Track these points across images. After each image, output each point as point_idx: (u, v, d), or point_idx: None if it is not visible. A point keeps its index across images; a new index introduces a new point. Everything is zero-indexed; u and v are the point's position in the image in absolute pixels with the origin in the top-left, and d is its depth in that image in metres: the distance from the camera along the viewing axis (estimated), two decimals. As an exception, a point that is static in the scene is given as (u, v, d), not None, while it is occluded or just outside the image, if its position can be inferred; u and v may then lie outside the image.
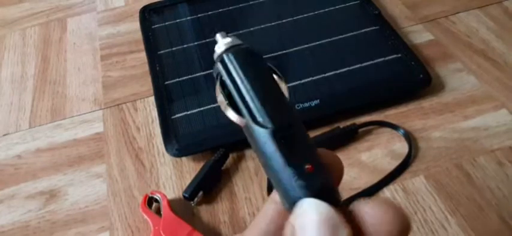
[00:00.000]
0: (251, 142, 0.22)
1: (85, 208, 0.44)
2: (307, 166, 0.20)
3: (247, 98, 0.22)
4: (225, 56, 0.23)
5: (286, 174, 0.20)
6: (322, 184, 0.20)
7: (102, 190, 0.46)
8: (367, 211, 0.20)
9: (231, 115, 0.23)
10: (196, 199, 0.43)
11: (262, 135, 0.21)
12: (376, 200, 0.20)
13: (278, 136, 0.21)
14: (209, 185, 0.44)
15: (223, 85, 0.23)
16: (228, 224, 0.42)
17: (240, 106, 0.22)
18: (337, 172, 0.23)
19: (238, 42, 0.24)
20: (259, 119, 0.21)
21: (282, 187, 0.21)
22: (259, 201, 0.43)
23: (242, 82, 0.22)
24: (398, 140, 0.47)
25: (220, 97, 0.23)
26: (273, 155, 0.21)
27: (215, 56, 0.24)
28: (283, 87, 0.23)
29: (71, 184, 0.46)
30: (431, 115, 0.49)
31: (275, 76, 0.23)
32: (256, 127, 0.21)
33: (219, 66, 0.23)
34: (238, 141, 0.47)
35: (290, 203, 0.20)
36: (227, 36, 0.24)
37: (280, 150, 0.21)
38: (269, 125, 0.21)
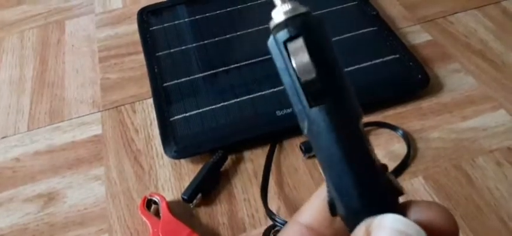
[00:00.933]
0: (321, 133, 0.19)
1: (84, 211, 0.44)
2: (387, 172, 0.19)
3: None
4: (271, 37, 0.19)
5: (367, 170, 0.19)
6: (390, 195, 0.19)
7: (101, 192, 0.45)
8: (429, 214, 0.19)
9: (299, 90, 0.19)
10: (195, 201, 0.43)
11: (344, 121, 0.19)
12: (423, 203, 0.19)
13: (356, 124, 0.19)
14: (208, 187, 0.44)
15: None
16: (227, 226, 0.42)
17: (289, 94, 0.19)
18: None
19: (301, 9, 0.20)
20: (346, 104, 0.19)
21: (356, 184, 0.19)
22: (258, 203, 0.43)
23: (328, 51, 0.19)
24: (397, 141, 0.47)
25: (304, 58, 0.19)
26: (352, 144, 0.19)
27: (273, 23, 0.20)
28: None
29: (69, 187, 0.46)
30: (429, 116, 0.49)
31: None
32: (316, 114, 0.19)
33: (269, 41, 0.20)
34: (237, 143, 0.47)
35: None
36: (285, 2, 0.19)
37: (363, 141, 0.19)
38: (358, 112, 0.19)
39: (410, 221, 0.18)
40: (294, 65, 0.19)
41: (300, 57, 0.18)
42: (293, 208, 0.42)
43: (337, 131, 0.19)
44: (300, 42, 0.19)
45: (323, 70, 0.19)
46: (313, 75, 0.18)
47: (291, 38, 0.19)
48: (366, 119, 0.49)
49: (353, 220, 0.19)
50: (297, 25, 0.19)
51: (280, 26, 0.19)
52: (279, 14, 0.19)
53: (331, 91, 0.19)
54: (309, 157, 0.46)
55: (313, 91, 0.19)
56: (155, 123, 0.50)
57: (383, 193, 0.19)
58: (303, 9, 0.19)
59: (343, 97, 0.19)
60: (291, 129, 0.48)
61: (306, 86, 0.19)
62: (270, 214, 0.41)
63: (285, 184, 0.45)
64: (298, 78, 0.19)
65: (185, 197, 0.43)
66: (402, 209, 0.20)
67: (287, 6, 0.19)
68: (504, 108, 0.49)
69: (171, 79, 0.53)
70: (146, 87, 0.55)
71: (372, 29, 0.57)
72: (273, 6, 0.20)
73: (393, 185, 0.20)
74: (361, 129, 0.20)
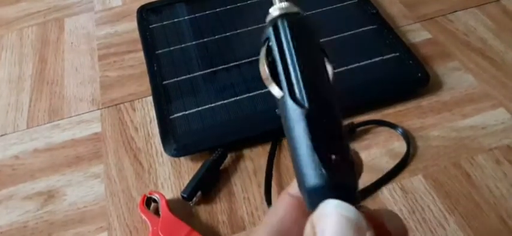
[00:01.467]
0: (283, 118, 0.21)
1: (83, 209, 0.44)
2: (334, 157, 0.19)
3: (291, 71, 0.21)
4: (279, 22, 0.21)
5: (310, 159, 0.20)
6: (345, 181, 0.19)
7: (101, 190, 0.45)
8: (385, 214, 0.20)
9: (270, 84, 0.21)
10: (194, 199, 0.43)
11: (296, 113, 0.20)
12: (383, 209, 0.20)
13: (311, 117, 0.20)
14: (207, 185, 0.44)
15: (269, 51, 0.22)
16: (227, 224, 0.42)
17: (281, 78, 0.21)
18: (358, 170, 0.22)
19: (295, 9, 0.22)
20: (297, 95, 0.20)
21: (303, 172, 0.20)
22: (258, 201, 0.43)
23: (290, 54, 0.21)
24: (397, 139, 0.47)
25: (263, 64, 0.22)
26: (302, 136, 0.20)
27: (268, 17, 0.22)
28: (330, 71, 0.22)
29: (69, 185, 0.46)
30: (429, 114, 0.49)
31: (325, 59, 0.22)
32: (291, 103, 0.20)
33: (270, 31, 0.22)
34: (236, 141, 0.47)
35: (308, 191, 0.20)
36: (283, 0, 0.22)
37: (310, 133, 0.20)
38: (305, 104, 0.20)
39: (352, 206, 0.18)
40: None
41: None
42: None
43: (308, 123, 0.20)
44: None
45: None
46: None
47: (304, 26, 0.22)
48: (365, 117, 0.49)
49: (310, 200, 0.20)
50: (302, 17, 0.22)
51: (288, 15, 0.22)
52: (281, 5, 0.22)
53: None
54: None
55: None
56: (155, 121, 0.50)
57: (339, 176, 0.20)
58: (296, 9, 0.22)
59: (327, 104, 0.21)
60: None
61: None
62: None
63: (285, 184, 0.45)
64: (299, 64, 0.21)
65: (185, 195, 0.43)
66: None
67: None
68: (504, 106, 0.49)
69: (171, 77, 0.53)
70: (146, 85, 0.55)
71: (371, 27, 0.57)
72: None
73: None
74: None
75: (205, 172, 0.44)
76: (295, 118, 0.20)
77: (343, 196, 0.19)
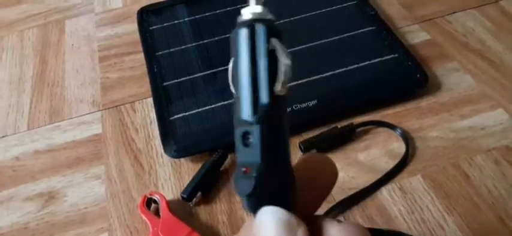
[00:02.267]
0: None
1: (84, 210, 0.44)
2: (243, 169, 0.20)
3: (238, 77, 0.21)
4: (245, 28, 0.20)
5: (237, 168, 0.21)
6: (244, 192, 0.20)
7: (101, 191, 0.46)
8: (333, 233, 0.20)
9: (230, 81, 0.22)
10: (194, 200, 0.43)
11: (235, 118, 0.21)
12: (345, 224, 0.20)
13: (240, 129, 0.21)
14: (207, 185, 0.44)
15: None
16: (227, 225, 0.42)
17: (234, 81, 0.21)
18: (327, 176, 0.23)
19: (267, 16, 0.21)
20: (237, 103, 0.21)
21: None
22: (258, 201, 0.43)
23: (238, 58, 0.21)
24: (396, 140, 0.47)
25: (231, 63, 0.21)
26: (236, 143, 0.21)
27: (240, 18, 0.21)
28: (280, 79, 0.20)
29: (69, 186, 0.46)
30: (428, 115, 0.49)
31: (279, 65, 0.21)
32: (236, 107, 0.21)
33: (242, 32, 0.21)
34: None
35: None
36: (260, 4, 0.21)
37: (236, 141, 0.21)
38: (239, 115, 0.20)
39: (286, 211, 0.20)
40: (282, 59, 0.20)
41: (285, 54, 0.20)
42: (292, 206, 0.43)
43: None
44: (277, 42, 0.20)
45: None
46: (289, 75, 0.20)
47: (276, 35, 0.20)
48: (364, 118, 0.49)
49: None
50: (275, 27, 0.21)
51: (264, 21, 0.21)
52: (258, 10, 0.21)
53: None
54: (308, 156, 0.46)
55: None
56: (155, 122, 0.51)
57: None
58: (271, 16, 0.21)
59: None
60: (290, 127, 0.48)
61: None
62: None
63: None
64: (269, 68, 0.20)
65: (184, 196, 0.43)
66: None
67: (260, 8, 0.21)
68: (502, 107, 0.49)
69: (171, 79, 0.54)
70: (146, 87, 0.55)
71: (370, 28, 0.57)
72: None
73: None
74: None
75: (205, 172, 0.44)
76: (236, 122, 0.21)
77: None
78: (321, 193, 0.23)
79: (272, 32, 0.20)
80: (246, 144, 0.21)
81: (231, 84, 0.21)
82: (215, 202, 0.44)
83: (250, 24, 0.20)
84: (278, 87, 0.20)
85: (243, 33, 0.20)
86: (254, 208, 0.20)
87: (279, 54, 0.20)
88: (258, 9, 0.21)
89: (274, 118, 0.20)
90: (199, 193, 0.43)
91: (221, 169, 0.46)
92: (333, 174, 0.23)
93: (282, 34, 0.21)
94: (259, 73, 0.20)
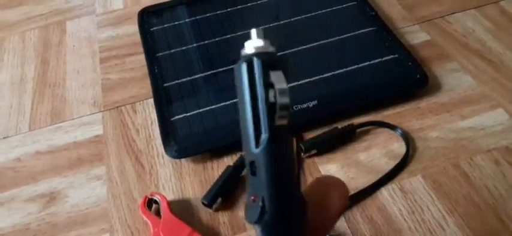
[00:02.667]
0: None
1: (85, 211, 0.45)
2: (252, 198, 0.21)
3: (240, 110, 0.22)
4: (244, 63, 0.21)
5: (248, 196, 0.21)
6: (251, 220, 0.21)
7: (102, 192, 0.46)
8: None
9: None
10: (214, 206, 0.43)
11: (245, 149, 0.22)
12: None
13: (246, 160, 0.21)
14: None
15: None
16: (228, 225, 0.42)
17: (240, 113, 0.22)
18: (338, 199, 0.23)
19: (268, 49, 0.22)
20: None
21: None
22: (258, 202, 0.43)
23: (239, 92, 0.22)
24: (396, 140, 0.47)
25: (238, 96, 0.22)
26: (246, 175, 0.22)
27: (242, 52, 0.22)
28: (277, 111, 0.21)
29: (71, 187, 0.46)
30: (428, 115, 0.49)
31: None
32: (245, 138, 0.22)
33: (242, 67, 0.21)
34: (237, 142, 0.47)
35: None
36: (261, 38, 0.22)
37: (249, 173, 0.21)
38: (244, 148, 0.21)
39: None
40: (278, 95, 0.20)
41: (282, 88, 0.20)
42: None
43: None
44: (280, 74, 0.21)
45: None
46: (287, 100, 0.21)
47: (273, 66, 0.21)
48: (365, 119, 0.49)
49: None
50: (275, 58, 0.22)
51: (262, 54, 0.21)
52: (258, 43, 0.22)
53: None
54: (309, 157, 0.46)
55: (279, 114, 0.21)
56: (156, 123, 0.51)
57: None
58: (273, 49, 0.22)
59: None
60: (291, 128, 0.48)
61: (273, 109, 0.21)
62: None
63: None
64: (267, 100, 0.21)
65: (205, 202, 0.43)
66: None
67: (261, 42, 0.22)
68: (502, 107, 0.49)
69: (172, 80, 0.54)
70: (147, 88, 0.55)
71: (370, 29, 0.58)
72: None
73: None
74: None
75: (227, 178, 0.44)
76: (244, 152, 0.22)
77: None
78: (332, 217, 0.23)
79: (271, 65, 0.21)
80: (253, 173, 0.21)
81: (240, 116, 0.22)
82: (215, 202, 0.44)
83: (249, 59, 0.21)
84: (277, 120, 0.21)
85: (243, 68, 0.21)
86: (266, 234, 0.21)
87: (276, 88, 0.20)
88: (260, 43, 0.22)
89: (277, 149, 0.21)
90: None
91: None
92: (345, 197, 0.23)
93: (286, 64, 0.21)
94: (259, 107, 0.21)
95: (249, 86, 0.21)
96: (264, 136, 0.21)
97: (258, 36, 0.22)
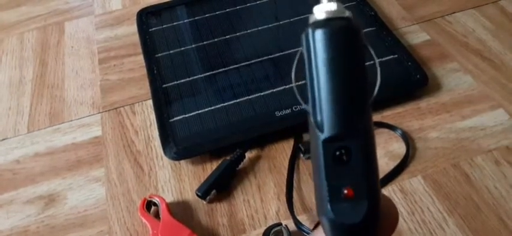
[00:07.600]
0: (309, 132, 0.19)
1: (84, 212, 0.44)
2: (345, 191, 0.17)
3: (316, 87, 0.18)
4: (310, 31, 0.18)
5: (323, 189, 0.18)
6: (349, 221, 0.17)
7: (101, 194, 0.46)
8: None
9: (296, 93, 0.19)
10: (208, 197, 0.43)
11: (315, 134, 0.18)
12: None
13: (329, 146, 0.18)
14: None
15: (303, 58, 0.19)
16: (227, 227, 0.42)
17: (308, 92, 0.18)
18: (394, 218, 0.20)
19: (344, 14, 0.19)
20: (318, 117, 0.18)
21: (317, 198, 0.19)
22: (258, 203, 0.43)
23: (322, 66, 0.18)
24: (396, 140, 0.47)
25: (293, 70, 0.19)
26: (319, 162, 0.18)
27: (311, 19, 0.19)
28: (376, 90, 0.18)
29: (69, 189, 0.46)
30: (428, 116, 0.49)
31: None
32: (312, 122, 0.18)
33: (303, 38, 0.19)
34: (235, 144, 0.47)
35: (319, 217, 0.18)
36: (333, 0, 0.18)
37: (325, 161, 0.18)
38: (324, 131, 0.18)
39: None
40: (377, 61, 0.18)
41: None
42: (295, 209, 0.43)
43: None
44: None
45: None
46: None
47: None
48: (364, 119, 0.49)
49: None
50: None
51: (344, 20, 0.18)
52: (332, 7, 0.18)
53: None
54: (309, 158, 0.46)
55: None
56: (155, 124, 0.51)
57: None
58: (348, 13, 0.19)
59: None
60: (290, 129, 0.48)
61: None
62: (297, 223, 0.41)
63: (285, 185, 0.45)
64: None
65: (199, 193, 0.43)
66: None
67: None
68: (502, 107, 0.49)
69: (171, 81, 0.54)
70: (146, 89, 0.55)
71: (370, 29, 0.57)
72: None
73: None
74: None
75: (222, 172, 0.44)
76: (315, 138, 0.18)
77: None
78: (392, 227, 0.21)
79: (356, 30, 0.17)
80: (341, 161, 0.18)
81: (298, 96, 0.19)
82: (215, 204, 0.44)
83: (328, 24, 0.17)
84: (375, 93, 0.17)
85: (325, 34, 0.17)
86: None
87: (377, 61, 0.17)
88: (333, 6, 0.18)
89: (370, 131, 0.18)
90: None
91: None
92: (397, 219, 0.21)
93: (349, 36, 0.18)
94: (352, 81, 0.18)
95: (332, 56, 0.17)
96: (361, 113, 0.17)
97: None
